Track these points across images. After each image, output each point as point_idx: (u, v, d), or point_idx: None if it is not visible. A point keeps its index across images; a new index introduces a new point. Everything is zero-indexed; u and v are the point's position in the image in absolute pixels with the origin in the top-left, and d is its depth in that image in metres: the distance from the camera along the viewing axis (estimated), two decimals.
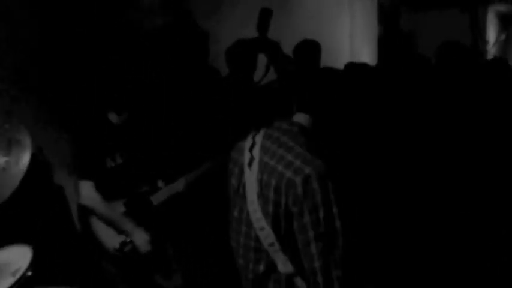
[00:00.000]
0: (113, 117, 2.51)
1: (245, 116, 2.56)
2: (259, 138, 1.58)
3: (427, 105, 2.66)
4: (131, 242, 2.41)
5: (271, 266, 1.51)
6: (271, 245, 1.46)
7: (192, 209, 2.86)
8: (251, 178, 1.51)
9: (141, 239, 2.41)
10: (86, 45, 3.22)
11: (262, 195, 1.48)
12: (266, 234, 1.46)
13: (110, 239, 2.40)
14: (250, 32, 3.75)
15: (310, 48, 3.37)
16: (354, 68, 3.21)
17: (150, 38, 3.61)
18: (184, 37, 3.51)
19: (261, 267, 1.53)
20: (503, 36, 8.85)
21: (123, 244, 2.40)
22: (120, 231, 2.41)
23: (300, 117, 1.58)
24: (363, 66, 3.11)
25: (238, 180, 1.60)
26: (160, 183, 2.65)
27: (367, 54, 6.13)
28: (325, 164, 1.42)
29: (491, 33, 8.34)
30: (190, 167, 2.72)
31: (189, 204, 2.78)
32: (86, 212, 2.43)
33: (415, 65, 2.82)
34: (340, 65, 4.03)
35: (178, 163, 2.84)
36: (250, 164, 1.54)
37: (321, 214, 1.39)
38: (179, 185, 2.65)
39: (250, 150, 1.56)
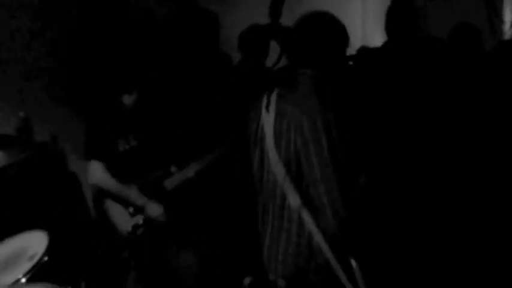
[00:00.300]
0: (126, 99, 2.53)
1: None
2: (276, 89, 1.73)
3: (438, 90, 2.61)
4: (143, 225, 2.45)
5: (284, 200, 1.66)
6: (284, 178, 1.61)
7: (201, 195, 2.88)
8: (268, 118, 1.67)
9: (155, 211, 2.45)
10: (99, 27, 3.25)
11: (275, 133, 1.63)
12: (279, 169, 1.61)
13: (124, 223, 2.44)
14: (264, 17, 3.72)
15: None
16: (366, 52, 3.18)
17: (160, 23, 3.61)
18: (191, 23, 3.50)
19: (277, 201, 1.69)
20: None
21: (136, 227, 2.45)
22: (133, 206, 2.44)
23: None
24: (375, 50, 3.06)
25: (256, 123, 1.76)
26: (173, 168, 2.67)
27: (379, 38, 6.02)
28: (328, 108, 1.57)
29: (508, 13, 8.14)
30: (202, 152, 2.74)
31: (200, 190, 2.80)
32: (100, 196, 2.47)
33: (426, 46, 2.77)
34: (352, 49, 4.01)
35: (190, 148, 2.86)
36: (267, 107, 1.69)
37: (325, 152, 1.54)
38: (190, 171, 2.66)
39: (268, 96, 1.72)
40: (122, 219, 2.44)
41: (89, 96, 2.94)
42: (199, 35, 3.46)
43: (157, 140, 2.62)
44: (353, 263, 1.67)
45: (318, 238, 1.60)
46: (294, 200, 1.61)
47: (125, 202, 2.45)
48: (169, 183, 2.61)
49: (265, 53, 3.10)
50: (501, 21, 7.71)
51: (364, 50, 3.68)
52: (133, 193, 2.46)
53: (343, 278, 1.62)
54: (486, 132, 2.53)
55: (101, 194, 2.47)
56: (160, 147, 2.63)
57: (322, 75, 1.67)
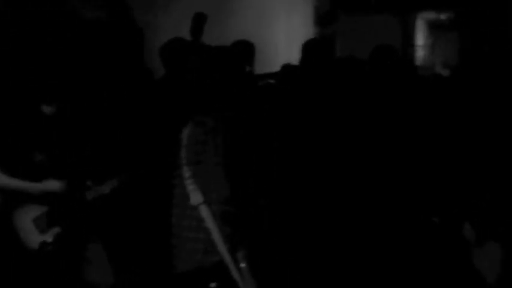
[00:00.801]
0: (45, 109, 2.43)
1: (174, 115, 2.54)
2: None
3: (356, 107, 2.75)
4: (52, 243, 2.34)
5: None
6: (188, 178, 1.78)
7: (123, 209, 2.80)
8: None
9: (55, 185, 2.37)
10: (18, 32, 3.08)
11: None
12: (185, 171, 1.79)
13: (31, 239, 2.32)
14: (187, 23, 3.72)
15: (244, 49, 3.38)
16: (288, 69, 3.28)
17: (84, 30, 3.48)
18: (120, 32, 3.42)
19: (181, 201, 1.83)
20: (430, 42, 9.35)
21: (44, 245, 2.33)
22: (36, 199, 2.35)
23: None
24: (296, 68, 3.17)
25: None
26: (89, 183, 2.58)
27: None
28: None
29: (420, 38, 8.79)
30: (121, 168, 2.66)
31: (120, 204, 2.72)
32: (6, 209, 2.34)
33: (342, 67, 2.92)
34: (277, 66, 4.12)
35: (107, 163, 2.78)
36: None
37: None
38: (106, 187, 2.58)
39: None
40: (29, 235, 2.32)
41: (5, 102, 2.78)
42: (125, 46, 3.39)
43: (74, 152, 2.53)
44: (242, 263, 1.78)
45: (215, 235, 1.72)
46: (194, 197, 1.75)
47: (28, 198, 2.34)
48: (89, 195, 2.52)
49: (184, 69, 3.03)
50: (413, 45, 8.33)
51: (287, 68, 3.79)
52: (28, 184, 2.35)
53: (236, 276, 1.75)
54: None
55: (7, 205, 2.34)
56: (77, 160, 2.54)
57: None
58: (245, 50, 3.28)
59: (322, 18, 7.42)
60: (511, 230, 2.35)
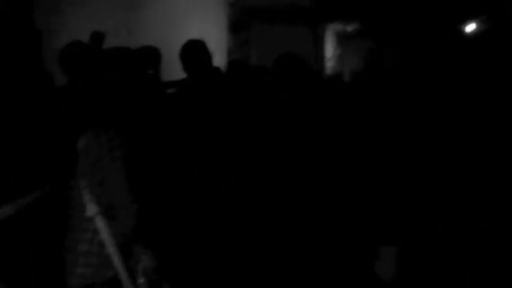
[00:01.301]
0: None
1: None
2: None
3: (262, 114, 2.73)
4: None
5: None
6: (84, 188, 1.72)
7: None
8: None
9: None
10: None
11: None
12: (81, 181, 1.73)
13: None
14: (94, 27, 3.54)
15: (148, 53, 3.27)
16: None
17: None
18: (18, 34, 3.16)
19: (77, 213, 1.77)
20: (339, 52, 9.80)
21: None
22: None
23: None
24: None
25: None
26: None
27: (216, 63, 6.23)
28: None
29: (329, 49, 9.17)
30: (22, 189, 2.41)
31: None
32: None
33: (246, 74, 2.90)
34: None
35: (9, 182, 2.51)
36: None
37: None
38: (10, 208, 2.32)
39: None
40: None
41: None
42: (25, 47, 3.12)
43: None
44: (140, 278, 1.71)
45: (110, 247, 1.66)
46: (90, 209, 1.68)
47: None
48: None
49: (81, 73, 2.81)
50: (322, 56, 8.67)
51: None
52: None
53: None
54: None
55: None
56: None
57: None
58: (149, 54, 3.16)
59: (235, 26, 7.49)
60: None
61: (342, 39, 9.98)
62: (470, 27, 6.61)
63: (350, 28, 8.80)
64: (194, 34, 6.40)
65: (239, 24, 7.71)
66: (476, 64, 4.21)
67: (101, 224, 1.67)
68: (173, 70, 3.68)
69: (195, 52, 2.80)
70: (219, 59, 6.45)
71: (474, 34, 6.48)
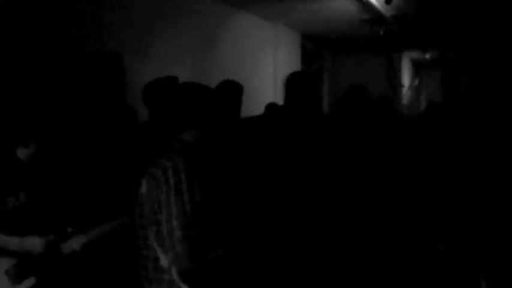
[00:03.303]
0: (21, 153, 2.32)
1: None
2: None
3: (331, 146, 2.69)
4: None
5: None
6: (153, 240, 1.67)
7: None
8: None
9: (35, 242, 2.21)
10: None
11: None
12: (150, 231, 1.68)
13: None
14: (173, 70, 3.69)
15: (230, 89, 3.29)
16: (273, 108, 3.25)
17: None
18: (104, 70, 3.37)
19: (149, 264, 1.72)
20: (416, 81, 9.52)
21: None
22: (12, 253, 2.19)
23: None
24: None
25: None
26: (70, 230, 2.43)
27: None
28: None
29: (406, 78, 8.93)
30: (104, 214, 2.52)
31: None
32: None
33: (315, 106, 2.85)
34: (263, 103, 4.10)
35: (91, 208, 2.63)
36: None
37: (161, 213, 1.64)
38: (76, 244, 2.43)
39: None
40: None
41: None
42: (111, 84, 3.33)
43: (52, 198, 2.40)
44: None
45: None
46: (163, 260, 1.63)
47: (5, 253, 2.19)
48: (67, 247, 2.37)
49: (165, 108, 2.90)
50: (399, 84, 8.46)
51: (271, 107, 3.79)
52: (10, 240, 2.20)
53: None
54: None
55: None
56: (55, 207, 2.41)
57: None
58: (232, 88, 3.18)
59: (308, 57, 7.54)
60: None
61: (418, 67, 9.72)
62: None
63: (426, 56, 8.55)
64: (268, 67, 6.55)
65: (312, 55, 7.77)
66: None
67: (176, 276, 1.60)
68: (251, 101, 3.74)
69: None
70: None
71: None
